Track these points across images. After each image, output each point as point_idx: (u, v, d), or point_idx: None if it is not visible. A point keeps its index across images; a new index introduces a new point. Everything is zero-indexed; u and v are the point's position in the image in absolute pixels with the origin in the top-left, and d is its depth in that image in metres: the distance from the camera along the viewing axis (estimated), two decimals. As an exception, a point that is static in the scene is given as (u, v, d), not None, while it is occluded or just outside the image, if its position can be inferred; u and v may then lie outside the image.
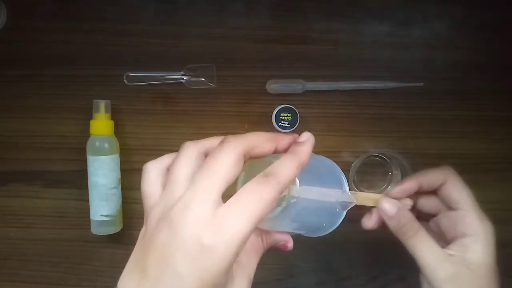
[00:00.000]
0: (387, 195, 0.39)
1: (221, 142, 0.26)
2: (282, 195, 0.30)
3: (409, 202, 0.39)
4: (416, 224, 0.37)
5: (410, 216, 0.38)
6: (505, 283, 0.56)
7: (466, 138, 0.55)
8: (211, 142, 0.28)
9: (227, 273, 0.24)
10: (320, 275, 0.55)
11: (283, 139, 0.29)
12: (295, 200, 0.29)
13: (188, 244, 0.23)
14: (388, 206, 0.37)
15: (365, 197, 0.38)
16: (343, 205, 0.35)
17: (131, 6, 0.52)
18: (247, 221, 0.24)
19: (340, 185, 0.35)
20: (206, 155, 0.28)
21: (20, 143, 0.53)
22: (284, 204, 0.30)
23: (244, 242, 0.24)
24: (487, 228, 0.37)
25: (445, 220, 0.39)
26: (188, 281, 0.23)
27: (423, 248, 0.36)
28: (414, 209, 0.40)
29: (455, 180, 0.39)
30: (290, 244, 0.32)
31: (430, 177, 0.39)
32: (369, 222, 0.39)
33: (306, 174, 0.30)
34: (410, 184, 0.39)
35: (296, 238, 0.33)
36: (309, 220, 0.33)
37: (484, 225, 0.37)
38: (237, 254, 0.24)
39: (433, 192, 0.40)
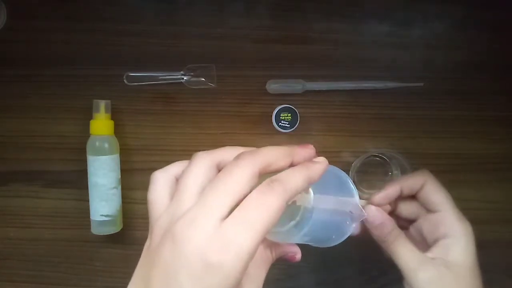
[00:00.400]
0: (371, 203, 0.39)
1: (237, 158, 0.25)
2: (297, 204, 0.29)
3: (388, 208, 0.39)
4: (397, 231, 0.38)
5: (393, 224, 0.38)
6: (505, 283, 0.56)
7: (466, 138, 0.55)
8: (223, 153, 0.27)
9: None
10: (320, 275, 0.55)
11: (299, 154, 0.28)
12: (310, 214, 0.29)
13: (193, 261, 0.22)
14: (374, 215, 0.37)
15: None
16: (354, 217, 0.35)
17: (131, 6, 0.52)
18: (253, 235, 0.23)
19: (350, 196, 0.35)
20: (218, 167, 0.27)
21: (20, 143, 0.53)
22: (298, 218, 0.29)
23: (251, 256, 0.23)
24: (467, 229, 0.37)
25: (425, 223, 0.39)
26: None
27: (403, 252, 0.37)
28: (393, 215, 0.40)
29: (433, 183, 0.39)
30: (298, 256, 0.32)
31: (410, 181, 0.39)
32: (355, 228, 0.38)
33: (316, 185, 0.29)
34: (393, 190, 0.39)
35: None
36: (321, 233, 0.33)
37: (464, 225, 0.37)
38: (245, 270, 0.23)
39: (412, 197, 0.40)
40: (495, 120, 0.55)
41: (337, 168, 0.35)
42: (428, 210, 0.39)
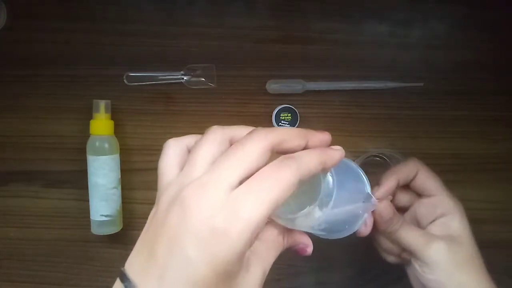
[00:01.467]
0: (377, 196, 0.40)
1: (251, 132, 0.26)
2: (317, 189, 0.29)
3: (390, 198, 0.41)
4: (400, 218, 0.40)
5: (397, 213, 0.40)
6: (505, 283, 0.56)
7: (466, 138, 0.55)
8: (237, 130, 0.28)
9: (240, 259, 0.23)
10: (320, 275, 0.55)
11: (314, 136, 0.28)
12: (330, 198, 0.29)
13: (200, 226, 0.22)
14: (386, 210, 0.39)
15: None
16: (366, 208, 0.35)
17: (131, 6, 0.52)
18: (263, 206, 0.23)
19: (363, 186, 0.35)
20: (230, 142, 0.27)
21: (20, 143, 0.53)
22: (317, 203, 0.29)
23: (259, 227, 0.23)
24: (460, 206, 0.40)
25: (421, 207, 0.41)
26: (198, 266, 0.22)
27: (411, 233, 0.39)
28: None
29: (425, 170, 0.41)
30: (310, 249, 0.31)
31: (405, 171, 0.41)
32: (366, 228, 0.39)
33: (335, 172, 0.30)
34: (392, 182, 0.40)
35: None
36: (337, 221, 0.32)
37: (457, 203, 0.40)
38: (251, 240, 0.23)
39: (405, 186, 0.42)
40: (495, 120, 0.55)
41: (350, 160, 0.35)
42: (423, 195, 0.41)
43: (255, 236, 0.23)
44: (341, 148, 0.29)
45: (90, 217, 0.50)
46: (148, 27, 0.52)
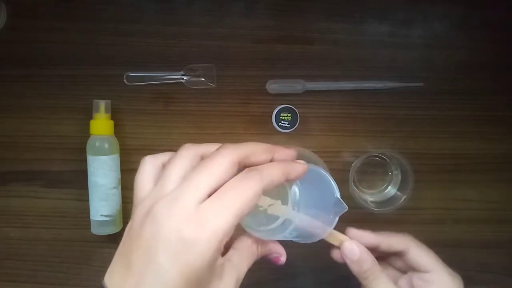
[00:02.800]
0: (350, 237, 0.37)
1: (218, 148, 0.27)
2: (285, 207, 0.30)
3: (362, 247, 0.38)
4: (377, 269, 0.37)
5: (372, 261, 0.37)
6: (505, 283, 0.56)
7: (466, 138, 0.55)
8: (209, 147, 0.29)
9: (210, 267, 0.25)
10: (319, 275, 0.55)
11: (280, 152, 0.29)
12: (297, 209, 0.30)
13: (171, 238, 0.24)
14: (350, 250, 0.36)
15: (332, 236, 0.36)
16: (335, 212, 0.35)
17: (131, 6, 0.52)
18: (229, 216, 0.24)
19: (332, 192, 0.35)
20: (202, 158, 0.29)
21: (20, 143, 0.53)
22: (286, 215, 0.30)
23: (226, 235, 0.24)
24: (459, 281, 0.37)
25: (417, 280, 0.39)
26: (171, 275, 0.23)
27: None
28: (376, 252, 0.39)
29: (418, 246, 0.39)
30: (283, 259, 0.32)
31: (389, 241, 0.39)
32: (337, 256, 0.38)
33: (301, 183, 0.30)
34: (370, 236, 0.38)
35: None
36: (307, 228, 0.33)
37: (456, 280, 0.37)
38: (219, 248, 0.24)
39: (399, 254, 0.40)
40: (495, 120, 0.55)
41: (318, 167, 0.35)
42: (418, 271, 0.39)
43: (223, 244, 0.25)
44: (305, 162, 0.30)
45: (90, 217, 0.50)
46: (148, 27, 0.52)
